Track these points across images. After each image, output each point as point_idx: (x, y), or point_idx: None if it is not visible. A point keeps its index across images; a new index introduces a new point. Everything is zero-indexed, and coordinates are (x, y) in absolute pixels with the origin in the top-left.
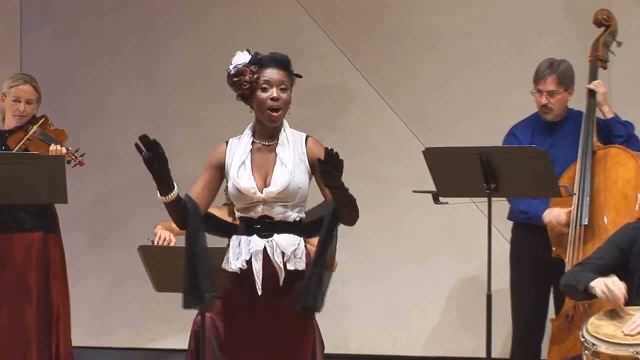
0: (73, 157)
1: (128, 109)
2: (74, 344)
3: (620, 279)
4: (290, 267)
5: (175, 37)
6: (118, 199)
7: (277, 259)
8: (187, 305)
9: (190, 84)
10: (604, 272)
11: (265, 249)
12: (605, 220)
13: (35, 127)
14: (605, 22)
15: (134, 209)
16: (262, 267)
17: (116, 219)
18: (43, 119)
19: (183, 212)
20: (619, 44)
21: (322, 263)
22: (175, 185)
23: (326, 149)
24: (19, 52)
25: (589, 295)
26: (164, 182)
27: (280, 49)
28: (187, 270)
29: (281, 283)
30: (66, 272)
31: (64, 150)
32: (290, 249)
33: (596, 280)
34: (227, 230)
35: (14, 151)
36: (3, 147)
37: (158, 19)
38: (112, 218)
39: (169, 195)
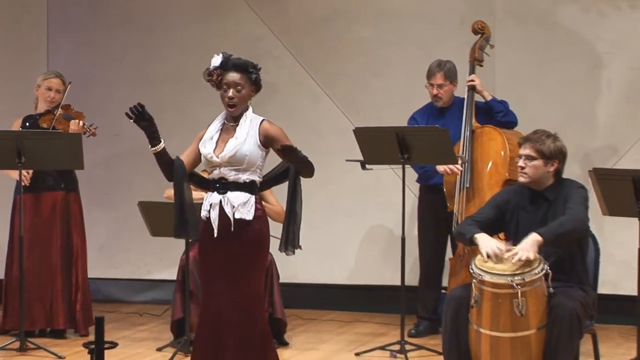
0: (88, 129)
1: (129, 100)
2: (89, 276)
3: (500, 231)
4: (237, 216)
5: (165, 45)
6: (122, 166)
7: (228, 210)
8: (177, 234)
9: (177, 81)
10: (486, 225)
11: (220, 202)
12: (482, 183)
13: (60, 110)
14: (480, 31)
15: (134, 174)
16: (217, 216)
17: (121, 181)
18: (66, 105)
19: (169, 165)
20: (492, 46)
21: (293, 213)
22: (162, 140)
23: (284, 146)
24: (46, 56)
25: (473, 243)
26: (152, 135)
27: (245, 52)
28: (177, 208)
29: (232, 229)
30: (83, 222)
31: (80, 123)
32: (238, 203)
33: (480, 235)
34: (203, 183)
35: (50, 129)
36: (35, 127)
37: (152, 32)
38: (118, 180)
39: (157, 147)
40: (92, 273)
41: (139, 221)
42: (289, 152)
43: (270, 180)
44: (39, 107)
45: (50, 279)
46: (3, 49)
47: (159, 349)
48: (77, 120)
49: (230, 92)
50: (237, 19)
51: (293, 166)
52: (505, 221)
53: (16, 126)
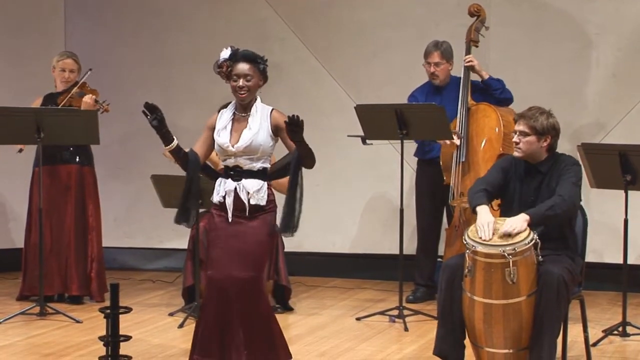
0: (101, 105)
1: (143, 78)
2: (105, 245)
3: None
4: (252, 202)
5: (176, 27)
6: (135, 142)
7: (243, 196)
8: (177, 221)
9: (187, 61)
10: (495, 190)
11: (235, 189)
12: (477, 157)
13: (75, 88)
14: (476, 13)
15: (147, 149)
16: (232, 202)
17: (134, 156)
18: (82, 83)
19: (184, 159)
20: (487, 28)
21: (292, 197)
22: (175, 138)
23: (291, 115)
24: (64, 38)
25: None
26: (164, 136)
27: (251, 35)
28: (183, 198)
29: (247, 214)
30: (98, 193)
31: (93, 98)
32: (253, 189)
33: (482, 209)
34: (215, 175)
35: (60, 106)
36: (54, 104)
37: (163, 14)
38: (131, 155)
39: (170, 145)
40: (107, 242)
41: (151, 193)
42: (295, 126)
43: (272, 174)
44: (57, 86)
45: (65, 248)
46: (24, 32)
47: (171, 314)
48: (90, 95)
49: (241, 82)
50: (244, 2)
51: (294, 159)
52: (504, 188)
53: (37, 104)
